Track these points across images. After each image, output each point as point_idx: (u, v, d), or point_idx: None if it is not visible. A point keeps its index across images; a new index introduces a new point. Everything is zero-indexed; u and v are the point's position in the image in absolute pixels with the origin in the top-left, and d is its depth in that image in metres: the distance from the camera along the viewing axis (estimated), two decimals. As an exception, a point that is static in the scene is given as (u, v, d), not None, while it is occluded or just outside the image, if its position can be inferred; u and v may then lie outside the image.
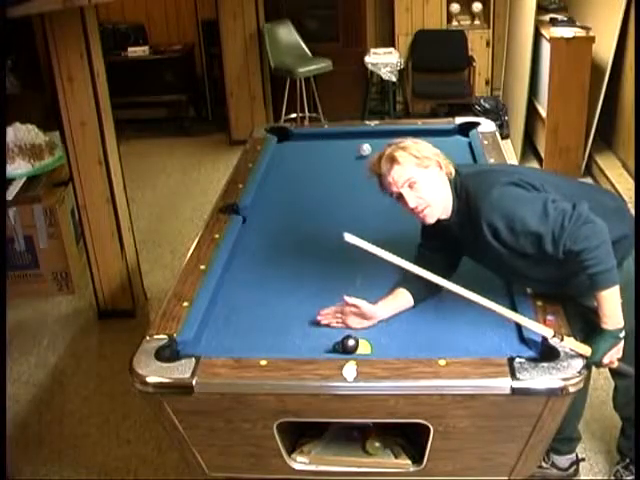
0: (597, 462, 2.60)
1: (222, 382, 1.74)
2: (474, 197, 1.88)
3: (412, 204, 1.90)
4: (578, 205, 1.80)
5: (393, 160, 1.89)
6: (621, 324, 1.81)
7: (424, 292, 2.03)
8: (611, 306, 1.79)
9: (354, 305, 1.95)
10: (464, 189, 1.93)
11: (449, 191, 1.95)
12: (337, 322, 1.98)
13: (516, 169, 2.29)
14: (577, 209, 1.79)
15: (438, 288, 1.93)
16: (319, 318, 1.98)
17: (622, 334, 1.81)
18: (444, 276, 1.91)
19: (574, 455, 2.51)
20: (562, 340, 1.75)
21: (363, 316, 1.98)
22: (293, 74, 5.92)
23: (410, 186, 1.90)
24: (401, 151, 1.90)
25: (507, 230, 1.83)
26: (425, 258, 2.05)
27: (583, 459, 2.54)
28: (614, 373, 2.21)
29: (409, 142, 1.94)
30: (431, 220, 1.94)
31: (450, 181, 1.95)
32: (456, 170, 1.98)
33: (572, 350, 1.75)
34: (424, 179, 1.90)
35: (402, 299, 2.04)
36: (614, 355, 1.83)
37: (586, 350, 1.76)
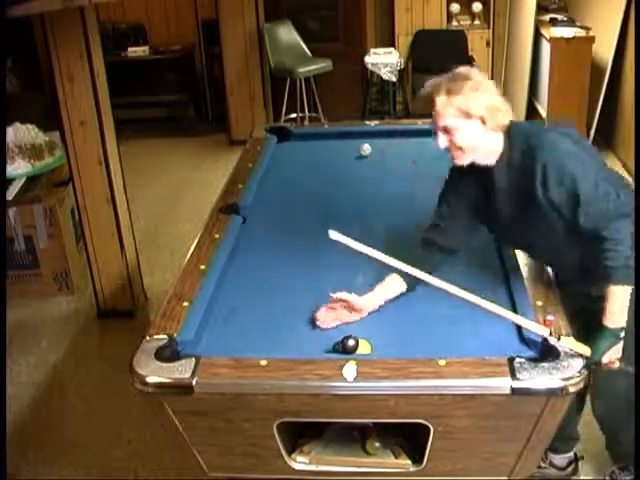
0: (597, 462, 2.60)
1: (222, 382, 1.74)
2: (538, 146, 1.87)
3: (442, 145, 1.93)
4: (625, 196, 1.83)
5: (438, 105, 1.88)
6: (622, 324, 1.81)
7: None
8: (619, 304, 1.81)
9: (341, 300, 1.97)
10: (525, 139, 1.91)
11: (494, 142, 1.92)
12: (332, 320, 1.99)
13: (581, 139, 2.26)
14: (623, 199, 1.81)
15: (436, 268, 1.97)
16: (318, 323, 1.97)
17: (622, 334, 1.82)
18: (457, 246, 2.01)
19: (572, 454, 2.51)
20: (559, 339, 1.76)
21: (352, 308, 1.99)
22: (293, 74, 5.92)
23: (446, 131, 1.90)
24: (452, 98, 1.86)
25: (556, 181, 1.83)
26: (443, 221, 2.08)
27: (582, 457, 2.54)
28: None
29: (467, 88, 1.86)
30: (460, 162, 1.95)
31: (503, 130, 1.93)
32: (514, 123, 1.97)
33: (571, 350, 1.75)
34: (461, 129, 1.89)
35: (391, 287, 2.04)
36: (613, 355, 1.83)
37: (585, 350, 1.76)
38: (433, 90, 1.89)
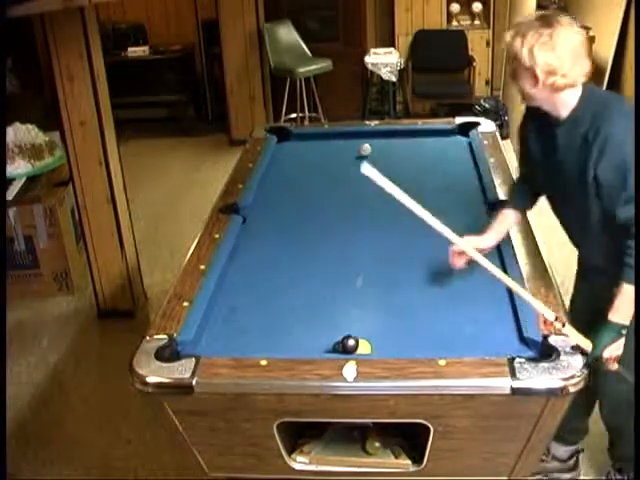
0: (597, 462, 2.59)
1: (222, 382, 1.74)
2: (610, 116, 1.85)
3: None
4: None
5: (504, 44, 1.89)
6: (626, 322, 1.84)
7: (529, 202, 2.24)
8: (626, 301, 1.84)
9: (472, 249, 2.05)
10: (601, 104, 1.90)
11: (556, 97, 1.90)
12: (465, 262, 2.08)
13: None
14: None
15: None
16: (456, 268, 2.07)
17: (624, 331, 1.84)
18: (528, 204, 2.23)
19: (576, 447, 2.53)
20: (564, 326, 1.77)
21: (478, 250, 2.08)
22: (293, 74, 5.92)
23: (511, 72, 1.93)
24: (513, 41, 1.85)
25: (610, 157, 1.82)
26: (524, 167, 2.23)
27: (582, 450, 2.54)
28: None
29: (530, 37, 1.82)
30: (526, 102, 1.98)
31: (572, 89, 1.90)
32: (594, 86, 1.97)
33: (574, 341, 1.77)
34: (518, 73, 1.89)
35: (507, 220, 2.20)
36: (614, 351, 1.84)
37: (587, 343, 1.78)
38: (509, 27, 1.90)
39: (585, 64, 1.86)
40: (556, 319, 1.78)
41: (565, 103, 1.90)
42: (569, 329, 1.77)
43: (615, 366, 1.87)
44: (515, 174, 2.50)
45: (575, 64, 1.83)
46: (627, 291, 1.83)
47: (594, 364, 1.81)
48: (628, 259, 1.82)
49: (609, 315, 1.85)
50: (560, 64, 1.81)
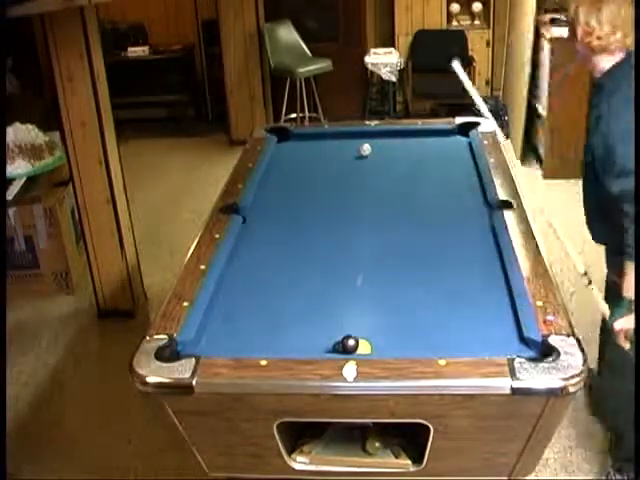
0: (597, 462, 2.59)
1: (222, 382, 1.74)
2: (610, 103, 1.92)
3: None
4: None
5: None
6: (632, 297, 1.92)
7: None
8: (629, 280, 1.92)
9: None
10: (611, 86, 1.95)
11: (590, 56, 1.99)
12: None
13: None
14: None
15: None
16: None
17: (632, 307, 1.92)
18: None
19: None
20: (590, 284, 1.89)
21: None
22: (293, 74, 5.92)
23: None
24: (576, 3, 1.94)
25: (599, 136, 1.91)
26: None
27: None
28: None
29: (585, 2, 1.92)
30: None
31: (617, 57, 1.96)
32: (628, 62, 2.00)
33: (595, 300, 1.91)
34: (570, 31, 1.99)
35: None
36: (624, 324, 1.92)
37: (606, 309, 1.89)
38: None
39: (627, 37, 1.92)
40: (585, 274, 1.88)
41: (598, 66, 1.98)
42: (595, 290, 1.89)
43: (627, 345, 1.91)
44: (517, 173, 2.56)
45: (614, 32, 1.90)
46: (630, 267, 1.90)
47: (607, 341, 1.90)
48: (629, 240, 1.87)
49: (623, 293, 1.93)
50: (598, 27, 1.90)
